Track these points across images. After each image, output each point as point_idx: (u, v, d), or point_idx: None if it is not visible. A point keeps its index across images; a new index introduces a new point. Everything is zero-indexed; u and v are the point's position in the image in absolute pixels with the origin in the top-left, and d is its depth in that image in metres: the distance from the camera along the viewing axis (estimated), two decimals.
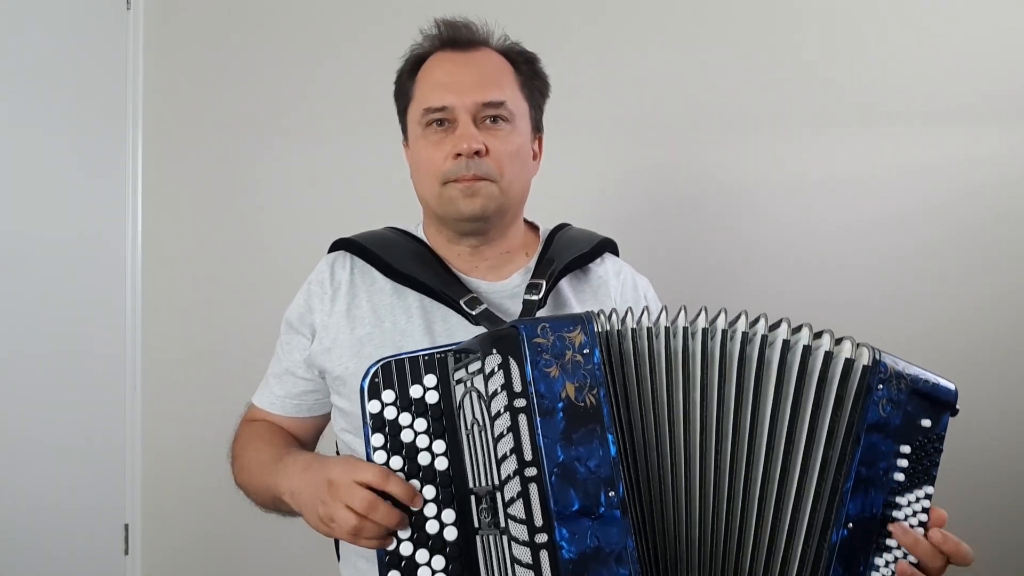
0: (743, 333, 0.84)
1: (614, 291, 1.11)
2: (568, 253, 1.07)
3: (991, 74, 1.70)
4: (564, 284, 1.07)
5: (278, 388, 1.11)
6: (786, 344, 0.83)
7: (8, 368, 1.80)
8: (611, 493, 0.78)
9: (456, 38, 1.05)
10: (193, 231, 2.09)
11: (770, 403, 0.83)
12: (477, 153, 0.99)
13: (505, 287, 1.07)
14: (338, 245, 1.10)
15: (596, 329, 0.83)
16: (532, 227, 1.17)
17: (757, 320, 0.85)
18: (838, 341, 0.84)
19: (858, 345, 0.84)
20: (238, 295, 2.03)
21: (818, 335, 0.85)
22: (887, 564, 0.83)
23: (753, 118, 1.79)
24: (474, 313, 0.97)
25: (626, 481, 0.80)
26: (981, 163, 1.70)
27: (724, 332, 0.84)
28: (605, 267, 1.13)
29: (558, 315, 0.86)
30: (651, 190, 1.84)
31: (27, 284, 1.84)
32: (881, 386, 0.83)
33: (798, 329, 0.85)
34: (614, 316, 0.85)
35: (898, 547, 0.83)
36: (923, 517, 0.84)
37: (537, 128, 1.11)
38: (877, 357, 0.83)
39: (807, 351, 0.83)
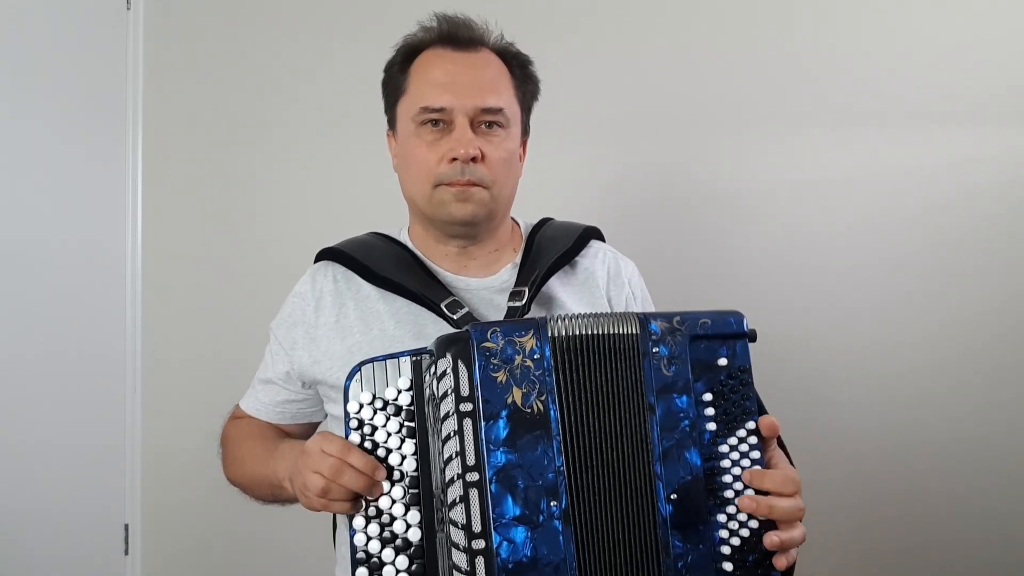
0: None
1: (600, 280, 1.10)
2: (551, 253, 1.06)
3: (990, 74, 1.69)
4: (553, 281, 1.06)
5: (263, 395, 1.12)
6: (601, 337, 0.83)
7: (9, 368, 1.81)
8: (553, 503, 0.77)
9: (455, 35, 1.04)
10: (193, 231, 2.09)
11: (618, 399, 0.83)
12: (473, 159, 0.98)
13: (494, 283, 1.06)
14: (321, 256, 1.10)
15: (550, 334, 0.82)
16: (515, 223, 1.16)
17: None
18: (605, 320, 0.83)
19: (624, 316, 0.84)
20: (238, 295, 2.03)
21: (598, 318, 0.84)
22: (731, 517, 0.81)
23: (748, 118, 1.78)
24: (456, 317, 0.96)
25: (572, 491, 0.78)
26: (981, 163, 1.69)
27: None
28: (590, 257, 1.12)
29: (512, 319, 0.86)
30: (644, 190, 1.83)
31: (26, 284, 1.85)
32: (657, 348, 0.82)
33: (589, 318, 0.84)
34: (569, 321, 0.84)
35: (737, 496, 0.81)
36: (755, 454, 0.82)
37: (525, 131, 1.11)
38: (644, 322, 0.83)
39: (600, 339, 0.83)
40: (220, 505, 1.96)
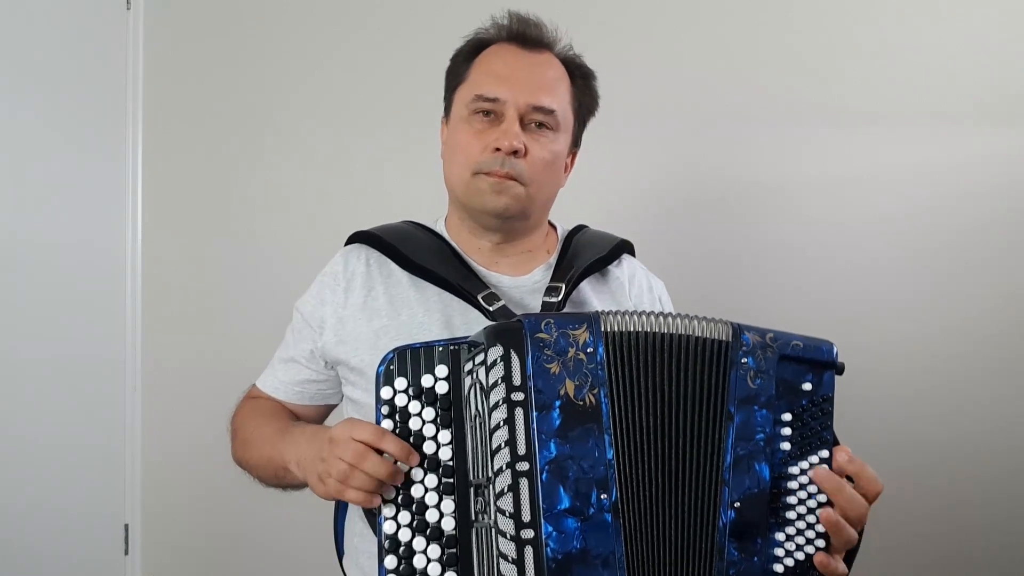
0: (664, 335, 0.84)
1: (631, 293, 1.11)
2: (587, 256, 1.08)
3: (994, 75, 1.70)
4: (585, 285, 1.07)
5: (282, 374, 1.11)
6: (676, 337, 0.84)
7: (9, 368, 1.80)
8: (603, 496, 0.77)
9: (524, 34, 1.06)
10: (193, 231, 2.09)
11: (685, 399, 0.83)
12: (515, 152, 0.99)
13: (526, 282, 1.07)
14: (355, 238, 1.10)
15: (604, 329, 0.82)
16: (551, 226, 1.17)
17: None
18: (696, 323, 0.84)
19: (719, 323, 0.84)
20: (238, 295, 2.03)
21: (690, 320, 0.85)
22: (789, 538, 0.82)
23: (771, 119, 1.79)
24: (492, 309, 0.96)
25: (622, 485, 0.79)
26: (986, 163, 1.70)
27: (660, 336, 0.84)
28: (622, 269, 1.14)
29: (566, 312, 0.86)
30: (671, 190, 1.84)
31: (27, 284, 1.84)
32: (746, 359, 0.82)
33: (675, 319, 0.85)
34: (623, 317, 0.84)
35: (799, 518, 0.82)
36: None
37: (575, 143, 1.12)
38: (737, 331, 0.83)
39: (674, 340, 0.84)
40: (220, 505, 1.97)
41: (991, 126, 1.70)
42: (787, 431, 0.82)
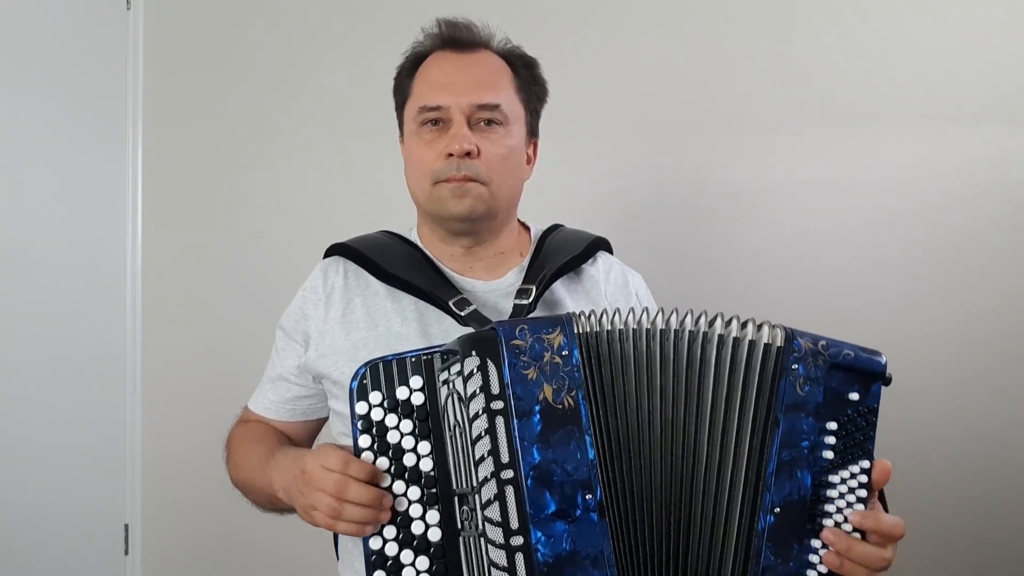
0: (689, 331, 0.84)
1: (606, 291, 1.11)
2: (560, 256, 1.07)
3: (991, 75, 1.69)
4: (559, 285, 1.07)
5: (272, 393, 1.12)
6: (720, 338, 0.84)
7: (9, 368, 1.80)
8: (588, 496, 0.78)
9: (456, 38, 1.06)
10: (193, 231, 2.09)
11: (708, 398, 0.83)
12: (468, 154, 0.99)
13: (500, 286, 1.07)
14: (332, 251, 1.11)
15: (576, 331, 0.82)
16: (524, 227, 1.17)
17: (698, 318, 0.86)
18: (751, 326, 0.84)
19: (772, 328, 0.84)
20: (238, 296, 2.03)
21: (743, 324, 0.85)
22: (824, 546, 0.82)
23: (749, 119, 1.78)
24: (463, 314, 0.97)
25: (605, 484, 0.80)
26: (981, 163, 1.70)
27: (674, 332, 0.84)
28: (597, 266, 1.13)
29: (538, 317, 0.86)
30: (646, 191, 1.83)
31: (26, 284, 1.85)
32: (796, 365, 0.82)
33: (728, 322, 0.85)
34: (594, 317, 0.85)
35: (836, 527, 0.82)
36: (862, 493, 0.82)
37: (532, 133, 1.11)
38: (790, 337, 0.83)
39: (721, 341, 0.84)
40: (220, 505, 1.95)
41: (991, 126, 1.69)
42: (831, 440, 0.82)
